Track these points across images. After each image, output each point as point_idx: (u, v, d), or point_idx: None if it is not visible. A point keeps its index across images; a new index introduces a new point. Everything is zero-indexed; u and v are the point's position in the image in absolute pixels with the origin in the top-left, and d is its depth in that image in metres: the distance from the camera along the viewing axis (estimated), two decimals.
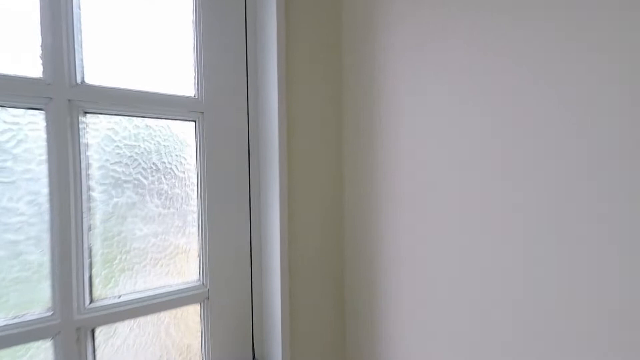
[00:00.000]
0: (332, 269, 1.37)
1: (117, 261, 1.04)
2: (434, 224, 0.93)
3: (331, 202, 1.36)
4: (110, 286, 1.03)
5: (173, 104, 1.11)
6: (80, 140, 0.97)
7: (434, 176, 0.92)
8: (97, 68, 1.00)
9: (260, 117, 1.26)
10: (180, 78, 1.15)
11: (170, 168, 1.14)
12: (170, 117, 1.12)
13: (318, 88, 1.33)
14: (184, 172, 1.17)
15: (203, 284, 1.18)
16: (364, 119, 1.30)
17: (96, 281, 1.01)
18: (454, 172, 0.84)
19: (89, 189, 0.99)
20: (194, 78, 1.17)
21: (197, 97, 1.17)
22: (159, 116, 1.10)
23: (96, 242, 1.01)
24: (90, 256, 0.99)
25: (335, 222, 1.38)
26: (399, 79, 1.16)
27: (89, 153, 0.99)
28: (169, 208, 1.13)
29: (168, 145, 1.13)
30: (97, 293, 1.00)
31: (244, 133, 1.26)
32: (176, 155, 1.15)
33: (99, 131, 1.01)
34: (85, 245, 0.97)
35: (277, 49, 1.18)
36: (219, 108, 1.20)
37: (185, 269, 1.16)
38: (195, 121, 1.17)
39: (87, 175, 0.98)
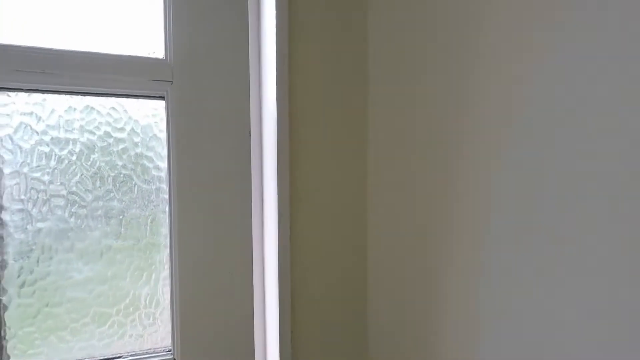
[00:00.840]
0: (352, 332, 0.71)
1: (40, 317, 0.68)
2: None
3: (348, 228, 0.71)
4: (31, 353, 0.68)
5: (126, 70, 0.68)
6: None
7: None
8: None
9: (264, 90, 0.70)
10: (138, 29, 0.70)
11: (128, 175, 0.71)
12: (122, 91, 0.69)
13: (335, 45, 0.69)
14: (150, 182, 0.72)
15: (174, 358, 0.73)
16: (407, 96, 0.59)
17: (8, 345, 0.67)
18: None
19: None
20: (163, 29, 0.70)
21: (165, 58, 0.70)
22: (106, 90, 0.69)
23: (8, 287, 0.67)
24: None
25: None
26: None
27: None
28: (125, 239, 0.71)
29: (122, 139, 0.71)
30: None
31: (242, 114, 0.72)
32: (136, 155, 0.71)
33: (10, 118, 0.66)
34: None
35: None
36: (201, 75, 0.70)
37: (150, 330, 0.73)
38: (163, 97, 0.71)
39: (1, 189, 0.65)
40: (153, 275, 0.72)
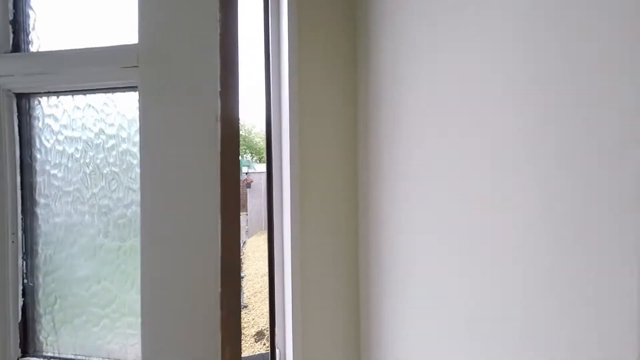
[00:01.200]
0: None
1: (56, 307, 0.72)
2: None
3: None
4: (51, 340, 0.73)
5: (100, 60, 0.65)
6: (23, 136, 0.73)
7: None
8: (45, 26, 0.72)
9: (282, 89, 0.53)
10: (115, 14, 0.66)
11: (116, 173, 0.68)
12: (101, 84, 0.67)
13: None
14: (134, 180, 0.67)
15: None
16: None
17: (37, 328, 0.74)
18: None
19: (33, 203, 0.73)
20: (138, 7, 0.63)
21: (137, 43, 0.63)
22: (92, 86, 0.68)
23: (39, 274, 0.74)
24: (31, 293, 0.73)
25: None
26: None
27: (34, 153, 0.74)
28: (113, 239, 0.68)
29: (112, 135, 0.68)
30: (38, 346, 0.73)
31: (209, 97, 0.58)
32: (122, 151, 0.67)
33: (39, 121, 0.73)
34: (19, 278, 0.73)
35: None
36: (164, 58, 0.60)
37: (132, 341, 0.67)
38: (137, 87, 0.64)
39: (34, 184, 0.73)
40: (135, 282, 0.66)
